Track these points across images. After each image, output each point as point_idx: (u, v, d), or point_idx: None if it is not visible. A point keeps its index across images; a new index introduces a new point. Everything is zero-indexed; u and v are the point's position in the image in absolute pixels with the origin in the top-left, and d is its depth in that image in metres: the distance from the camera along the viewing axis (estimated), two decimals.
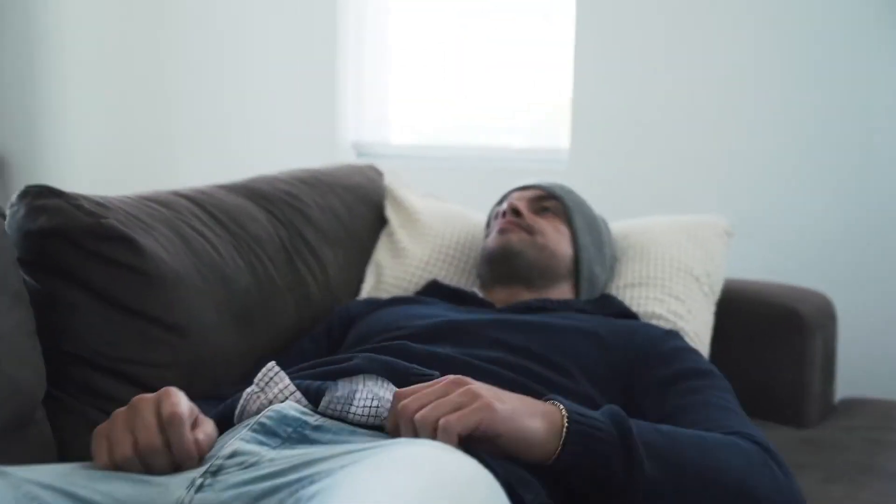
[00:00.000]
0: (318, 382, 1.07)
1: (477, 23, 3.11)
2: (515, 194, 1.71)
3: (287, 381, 1.06)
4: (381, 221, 1.95)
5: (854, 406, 1.89)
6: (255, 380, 1.06)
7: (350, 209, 1.89)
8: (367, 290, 1.81)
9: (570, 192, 1.71)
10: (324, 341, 1.55)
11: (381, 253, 1.86)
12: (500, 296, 1.61)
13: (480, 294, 1.62)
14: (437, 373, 1.08)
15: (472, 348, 1.30)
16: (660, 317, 1.66)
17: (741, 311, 1.83)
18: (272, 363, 1.07)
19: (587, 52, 2.67)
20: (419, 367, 1.11)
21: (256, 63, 3.33)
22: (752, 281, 1.95)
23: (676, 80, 2.54)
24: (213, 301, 1.47)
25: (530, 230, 1.61)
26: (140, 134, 3.59)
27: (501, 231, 1.62)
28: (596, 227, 1.71)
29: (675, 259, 1.75)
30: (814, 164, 2.37)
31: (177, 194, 1.60)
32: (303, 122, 3.23)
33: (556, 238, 1.63)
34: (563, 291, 1.63)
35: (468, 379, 0.96)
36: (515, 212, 1.64)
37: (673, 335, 1.41)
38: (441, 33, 3.18)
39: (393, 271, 1.81)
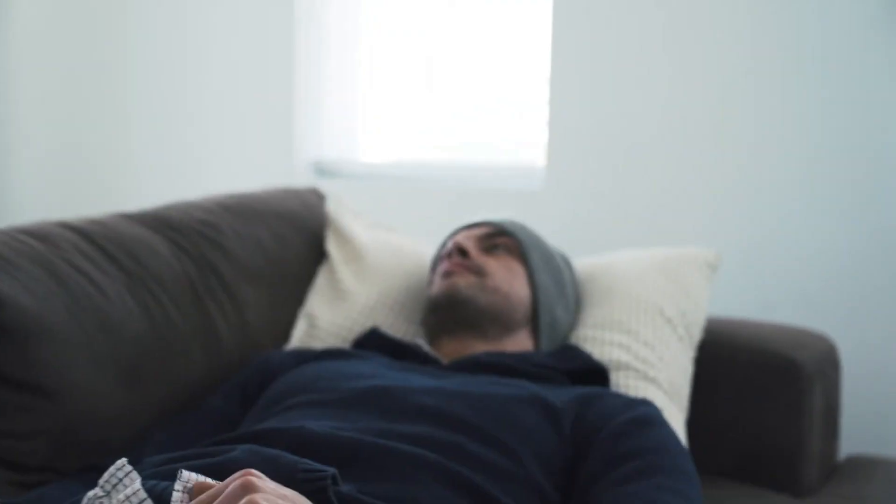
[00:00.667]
0: (167, 483, 0.86)
1: (450, 33, 2.90)
2: (462, 234, 1.50)
3: (138, 483, 0.84)
4: (319, 255, 1.71)
5: (862, 466, 1.64)
6: (100, 481, 0.85)
7: (281, 241, 1.66)
8: (297, 338, 1.57)
9: (522, 227, 1.50)
10: (236, 398, 1.34)
11: (318, 295, 1.63)
12: (449, 348, 1.40)
13: (426, 347, 1.39)
14: (330, 469, 0.88)
15: (396, 421, 1.10)
16: (627, 366, 1.43)
17: (728, 357, 1.59)
18: (122, 461, 0.85)
19: (564, 65, 2.45)
20: (309, 463, 0.89)
21: (211, 71, 3.13)
22: (741, 321, 1.71)
23: (662, 97, 2.31)
24: (92, 354, 1.25)
25: (479, 271, 1.41)
26: (90, 147, 3.40)
27: (446, 274, 1.42)
28: (555, 264, 1.49)
29: (642, 298, 1.52)
30: (815, 189, 2.12)
31: (63, 225, 1.38)
32: (257, 137, 3.02)
33: (510, 278, 1.42)
34: (520, 341, 1.43)
35: (257, 482, 0.74)
36: (462, 251, 1.43)
37: (637, 404, 1.19)
38: (412, 43, 2.96)
39: (331, 316, 1.58)
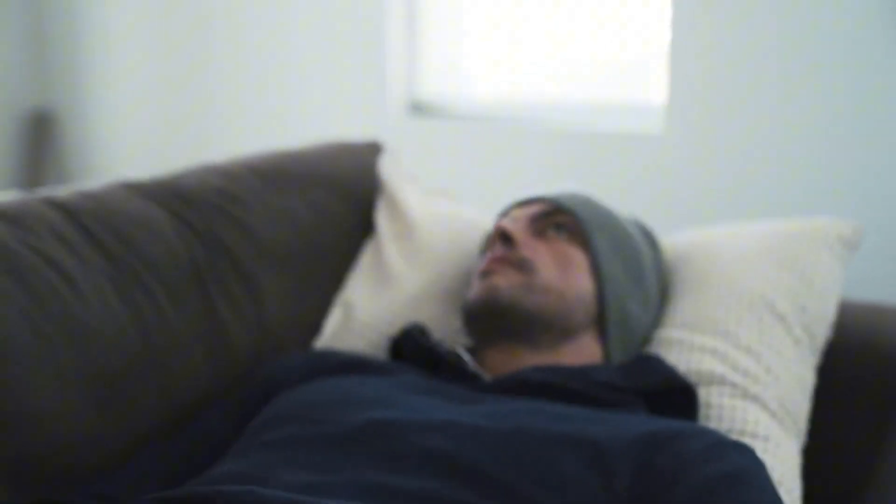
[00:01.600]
0: None
1: None
2: (513, 212, 1.23)
3: None
4: (369, 230, 1.46)
5: None
6: None
7: (321, 212, 1.42)
8: (330, 331, 1.33)
9: (587, 201, 1.21)
10: (234, 417, 1.11)
11: (359, 278, 1.38)
12: (495, 360, 1.14)
13: (466, 358, 1.13)
14: None
15: (392, 471, 0.87)
16: (721, 380, 1.13)
17: (865, 362, 1.25)
18: None
19: None
20: None
21: (301, 4, 2.89)
22: (884, 308, 1.36)
23: (801, 20, 1.92)
24: (56, 368, 1.04)
25: (525, 266, 1.13)
26: (183, 91, 3.28)
27: (484, 274, 1.14)
28: (630, 246, 1.20)
29: (747, 288, 1.21)
30: None
31: (47, 201, 1.18)
32: (349, 74, 2.78)
33: (566, 270, 1.15)
34: (584, 347, 1.15)
35: None
36: (506, 238, 1.15)
37: (728, 451, 0.91)
38: None
39: (371, 305, 1.33)
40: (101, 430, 1.07)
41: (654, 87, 2.32)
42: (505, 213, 1.25)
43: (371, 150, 1.58)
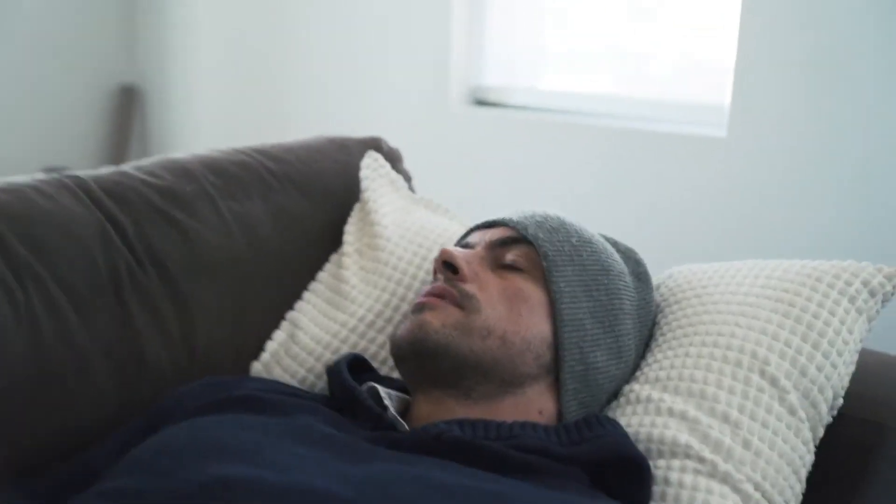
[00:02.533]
0: None
1: None
2: (473, 235, 1.06)
3: None
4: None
5: None
6: None
7: (285, 218, 1.27)
8: (266, 357, 1.19)
9: (558, 229, 1.02)
10: (116, 451, 0.96)
11: (313, 295, 1.24)
12: (422, 409, 0.98)
13: (388, 402, 0.98)
14: None
15: None
16: (686, 452, 0.95)
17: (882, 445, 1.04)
18: None
19: None
20: None
21: None
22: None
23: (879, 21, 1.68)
24: None
25: (467, 302, 0.96)
26: (260, 72, 3.23)
27: (418, 307, 0.98)
28: (603, 286, 1.01)
29: (737, 343, 1.01)
30: None
31: None
32: (412, 63, 2.64)
33: (517, 310, 0.97)
34: (531, 402, 0.98)
35: None
36: (450, 268, 0.98)
37: None
38: None
39: (316, 329, 1.19)
40: None
41: (719, 90, 2.10)
42: (467, 234, 1.08)
43: (361, 144, 1.43)
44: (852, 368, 1.02)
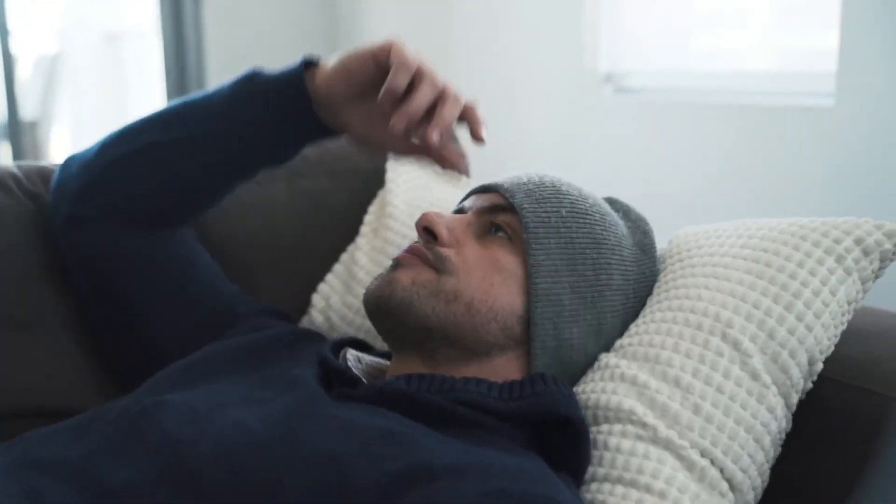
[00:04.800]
0: None
1: None
2: (468, 200, 1.06)
3: None
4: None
5: None
6: None
7: (319, 198, 1.34)
8: (311, 320, 1.27)
9: (550, 198, 1.00)
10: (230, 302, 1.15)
11: (335, 275, 1.30)
12: (392, 367, 1.01)
13: (348, 358, 1.02)
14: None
15: (119, 456, 0.82)
16: (629, 417, 0.92)
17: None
18: None
19: None
20: None
21: None
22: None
23: None
24: None
25: (440, 265, 0.96)
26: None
27: (394, 265, 0.99)
28: (592, 260, 0.98)
29: (701, 305, 0.96)
30: None
31: None
32: (544, 45, 2.62)
33: (491, 280, 0.96)
34: (496, 370, 0.96)
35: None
36: (431, 233, 0.98)
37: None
38: None
39: (334, 309, 1.26)
40: None
41: (824, 58, 1.96)
42: (466, 197, 1.07)
43: None
44: (836, 331, 0.96)
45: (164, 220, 1.10)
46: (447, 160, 0.96)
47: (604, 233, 1.00)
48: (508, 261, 0.96)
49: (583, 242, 0.98)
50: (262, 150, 1.06)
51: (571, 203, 1.00)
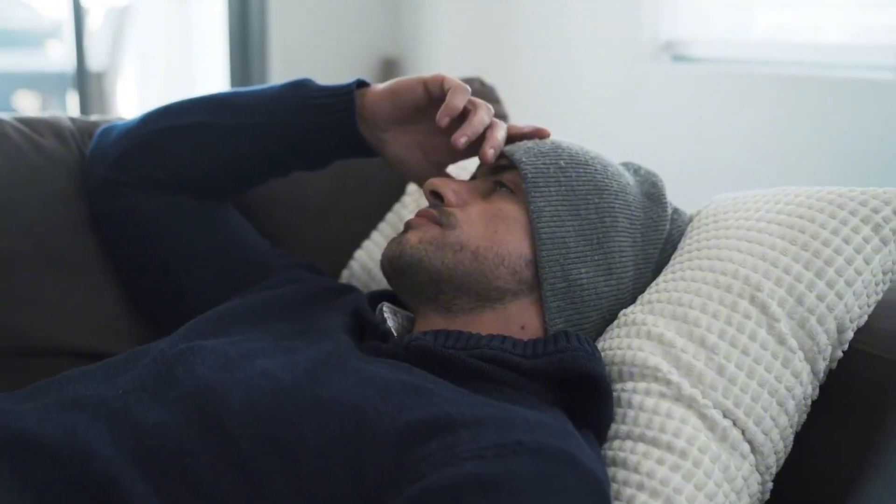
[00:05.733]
0: None
1: None
2: (481, 166, 1.11)
3: None
4: None
5: None
6: None
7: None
8: (351, 274, 1.31)
9: (549, 153, 1.03)
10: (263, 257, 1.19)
11: (380, 233, 1.34)
12: (417, 324, 1.05)
13: (388, 315, 1.05)
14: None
15: (153, 398, 0.85)
16: (653, 375, 0.93)
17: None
18: None
19: None
20: None
21: None
22: None
23: None
24: None
25: (446, 221, 1.01)
26: (490, 43, 3.25)
27: (405, 228, 1.05)
28: (594, 205, 1.01)
29: (732, 266, 0.97)
30: None
31: None
32: (601, 12, 2.61)
33: (494, 228, 1.00)
34: (511, 317, 1.00)
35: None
36: (436, 195, 1.04)
37: (519, 454, 0.76)
38: None
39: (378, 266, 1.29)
40: None
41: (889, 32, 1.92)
42: (477, 169, 1.12)
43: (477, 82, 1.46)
44: (868, 301, 0.96)
45: (195, 193, 1.14)
46: None
47: (605, 180, 1.03)
48: (511, 209, 1.00)
49: (584, 189, 1.01)
50: (298, 153, 1.12)
51: (570, 156, 1.03)
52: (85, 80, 3.46)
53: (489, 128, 1.01)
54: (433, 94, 1.03)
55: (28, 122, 1.24)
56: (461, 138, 0.98)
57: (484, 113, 1.00)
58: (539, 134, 1.06)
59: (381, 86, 1.07)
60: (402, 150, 1.09)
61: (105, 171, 1.14)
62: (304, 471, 0.77)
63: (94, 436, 0.80)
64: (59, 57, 4.30)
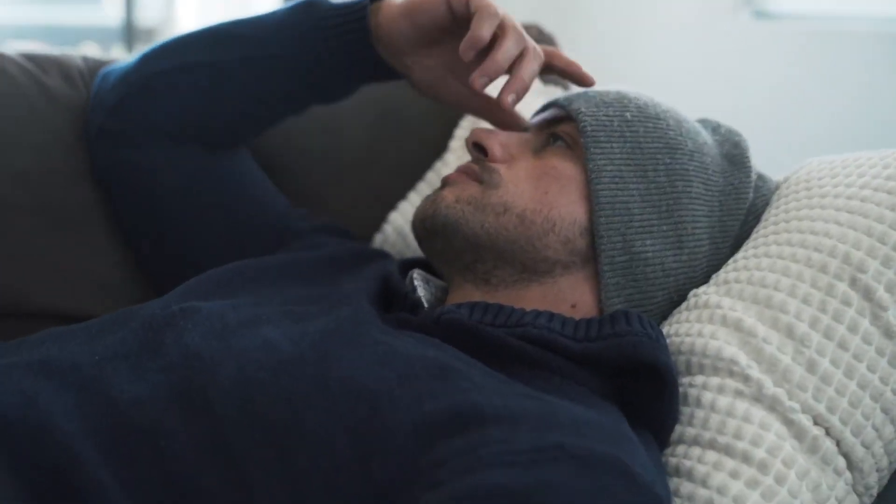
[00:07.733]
0: None
1: None
2: (537, 117, 0.96)
3: None
4: None
5: None
6: None
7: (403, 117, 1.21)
8: (385, 238, 1.17)
9: (612, 102, 0.88)
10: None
11: (417, 193, 1.19)
12: (451, 295, 0.91)
13: (416, 283, 0.90)
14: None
15: (138, 364, 0.72)
16: (729, 369, 0.77)
17: None
18: None
19: None
20: None
21: None
22: None
23: None
24: None
25: (488, 178, 0.87)
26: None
27: (442, 185, 0.91)
28: (664, 165, 0.86)
29: (828, 242, 0.80)
30: None
31: None
32: None
33: (546, 189, 0.85)
34: (562, 294, 0.86)
35: None
36: (479, 148, 0.89)
37: (560, 462, 0.61)
38: None
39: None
40: None
41: None
42: (535, 115, 0.96)
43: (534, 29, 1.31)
44: None
45: (202, 141, 1.01)
46: (510, 124, 0.91)
47: (679, 137, 0.87)
48: (566, 167, 0.86)
49: (653, 147, 0.86)
50: (312, 84, 0.98)
51: (639, 108, 0.88)
52: (132, 36, 3.37)
53: (518, 61, 0.84)
54: (458, 13, 0.86)
55: (34, 58, 1.12)
56: (479, 79, 0.83)
57: (511, 43, 0.83)
58: (584, 81, 0.91)
59: (397, 1, 0.91)
60: (430, 76, 0.93)
61: (101, 120, 1.01)
62: (299, 462, 0.65)
63: (58, 408, 0.68)
64: (115, 11, 4.24)
